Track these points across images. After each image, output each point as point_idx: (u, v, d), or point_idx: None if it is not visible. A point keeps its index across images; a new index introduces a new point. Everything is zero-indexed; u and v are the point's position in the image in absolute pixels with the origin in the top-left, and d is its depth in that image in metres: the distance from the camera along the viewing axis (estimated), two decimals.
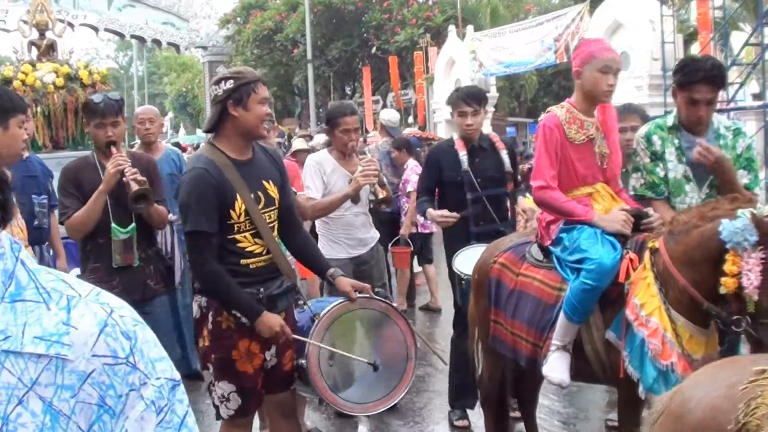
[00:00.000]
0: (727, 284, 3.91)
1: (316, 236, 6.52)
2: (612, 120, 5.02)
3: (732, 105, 20.08)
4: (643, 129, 5.24)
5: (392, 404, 4.70)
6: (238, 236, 4.35)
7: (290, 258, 4.92)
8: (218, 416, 4.56)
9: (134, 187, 5.25)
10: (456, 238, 6.35)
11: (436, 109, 31.07)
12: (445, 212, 6.25)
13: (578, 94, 4.95)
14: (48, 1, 12.52)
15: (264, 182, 4.48)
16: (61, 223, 5.53)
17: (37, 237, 6.34)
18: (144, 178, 5.38)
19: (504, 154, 6.53)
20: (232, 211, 4.29)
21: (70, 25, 19.04)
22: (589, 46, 4.92)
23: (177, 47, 29.16)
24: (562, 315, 4.60)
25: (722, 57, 21.12)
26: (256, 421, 5.34)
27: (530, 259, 5.05)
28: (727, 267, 3.90)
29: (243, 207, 4.31)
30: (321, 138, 11.83)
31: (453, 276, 6.27)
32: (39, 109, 10.70)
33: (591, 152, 4.89)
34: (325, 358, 4.48)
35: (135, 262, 5.51)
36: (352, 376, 4.52)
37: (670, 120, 5.12)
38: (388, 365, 4.61)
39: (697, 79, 4.85)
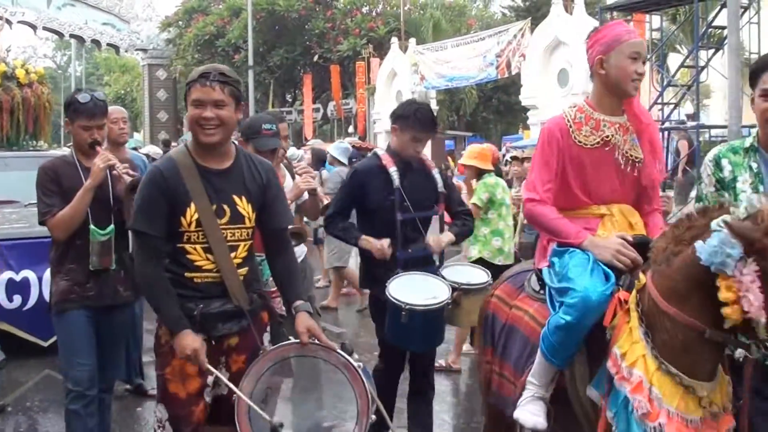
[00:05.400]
0: (729, 315, 3.18)
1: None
2: (644, 115, 4.14)
3: (667, 124, 20.46)
4: (713, 151, 4.12)
5: None
6: (187, 246, 3.95)
7: None
8: None
9: (127, 179, 5.03)
10: (378, 264, 5.47)
11: (377, 119, 31.20)
12: (385, 243, 5.39)
13: (598, 88, 4.13)
14: None
15: (234, 196, 4.03)
16: (42, 222, 5.14)
17: None
18: (136, 174, 5.15)
19: (436, 173, 5.72)
20: (182, 218, 3.91)
21: (8, 22, 18.69)
22: (613, 29, 4.08)
23: (117, 48, 28.79)
24: (539, 352, 3.86)
25: (659, 78, 21.49)
26: None
27: (528, 290, 4.30)
28: (723, 295, 3.17)
29: (195, 216, 3.91)
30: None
31: (380, 306, 5.40)
32: None
33: (610, 158, 4.06)
34: (259, 399, 3.87)
35: (112, 266, 5.16)
36: (289, 424, 3.89)
37: (748, 141, 4.04)
38: (334, 425, 4.02)
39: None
